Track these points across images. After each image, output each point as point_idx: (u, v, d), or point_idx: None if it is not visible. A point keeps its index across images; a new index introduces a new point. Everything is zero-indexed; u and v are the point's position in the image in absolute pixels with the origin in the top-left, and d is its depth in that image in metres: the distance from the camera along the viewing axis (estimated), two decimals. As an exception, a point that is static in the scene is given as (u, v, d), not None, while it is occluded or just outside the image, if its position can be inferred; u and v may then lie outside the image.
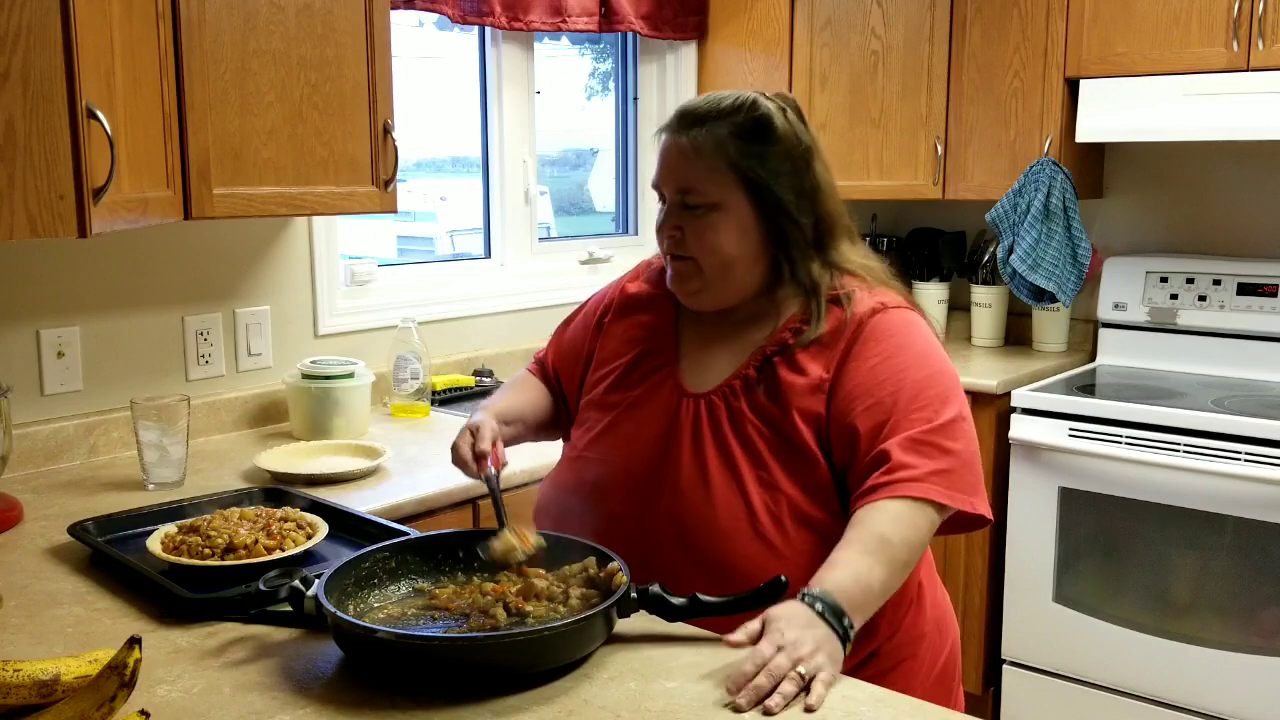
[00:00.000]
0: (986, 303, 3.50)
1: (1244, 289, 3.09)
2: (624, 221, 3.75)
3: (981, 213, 3.35)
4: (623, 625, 1.33)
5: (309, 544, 1.63)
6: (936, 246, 3.62)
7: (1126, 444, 2.76)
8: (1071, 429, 2.84)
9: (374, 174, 2.33)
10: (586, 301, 1.80)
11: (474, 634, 1.28)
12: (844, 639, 1.28)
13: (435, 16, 2.99)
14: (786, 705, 1.19)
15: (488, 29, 3.17)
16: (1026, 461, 2.92)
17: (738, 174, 1.50)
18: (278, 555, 1.58)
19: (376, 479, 2.17)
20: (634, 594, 1.32)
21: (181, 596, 1.46)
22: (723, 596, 1.32)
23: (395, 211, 2.41)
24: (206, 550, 1.58)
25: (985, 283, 3.51)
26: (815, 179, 1.54)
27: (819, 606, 1.28)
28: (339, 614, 1.25)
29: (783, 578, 1.31)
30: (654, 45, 3.63)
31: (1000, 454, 3.00)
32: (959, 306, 3.65)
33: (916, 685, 1.48)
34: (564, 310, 3.24)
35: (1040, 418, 2.89)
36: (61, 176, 1.57)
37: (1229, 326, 3.11)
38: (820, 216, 1.54)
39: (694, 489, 1.49)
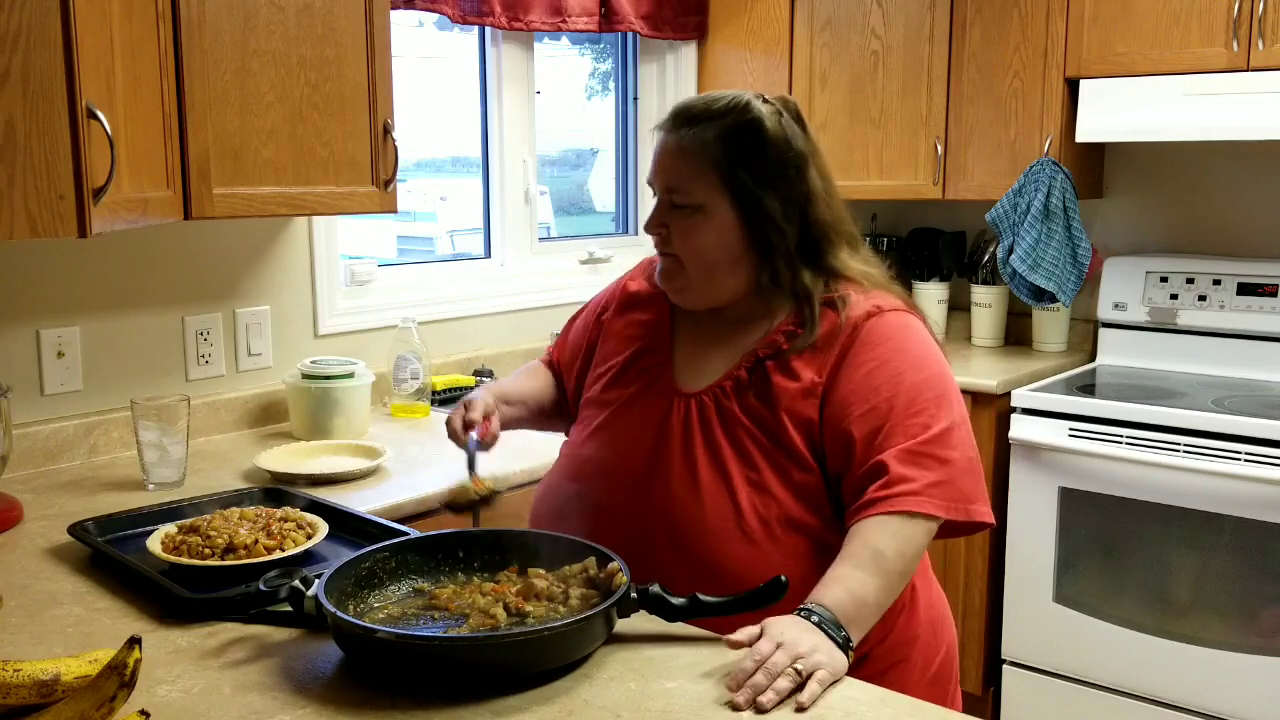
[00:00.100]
0: (986, 303, 3.50)
1: (1244, 289, 3.09)
2: (624, 221, 3.75)
3: (981, 213, 3.35)
4: (623, 625, 1.33)
5: (309, 544, 1.63)
6: (936, 246, 3.62)
7: (1126, 444, 2.76)
8: (1071, 429, 2.84)
9: (374, 174, 2.33)
10: (593, 298, 1.81)
11: (474, 634, 1.28)
12: (843, 649, 1.29)
13: (435, 16, 2.99)
14: (781, 701, 1.19)
15: (488, 29, 3.17)
16: (1026, 461, 2.92)
17: (721, 178, 1.49)
18: (278, 555, 1.58)
19: (376, 479, 2.17)
20: (634, 594, 1.32)
21: (181, 596, 1.46)
22: (723, 597, 1.33)
23: (395, 211, 2.41)
24: (206, 550, 1.58)
25: (985, 283, 3.51)
26: (807, 187, 1.52)
27: (815, 619, 1.29)
28: (339, 614, 1.25)
29: (783, 578, 1.31)
30: (654, 45, 3.63)
31: (1000, 454, 3.00)
32: (959, 306, 3.65)
33: (909, 688, 1.48)
34: (564, 310, 3.26)
35: (1040, 418, 2.89)
36: (61, 176, 1.57)
37: (1229, 326, 3.11)
38: (812, 225, 1.52)
39: (683, 488, 1.49)
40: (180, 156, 2.02)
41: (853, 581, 1.34)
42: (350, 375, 2.48)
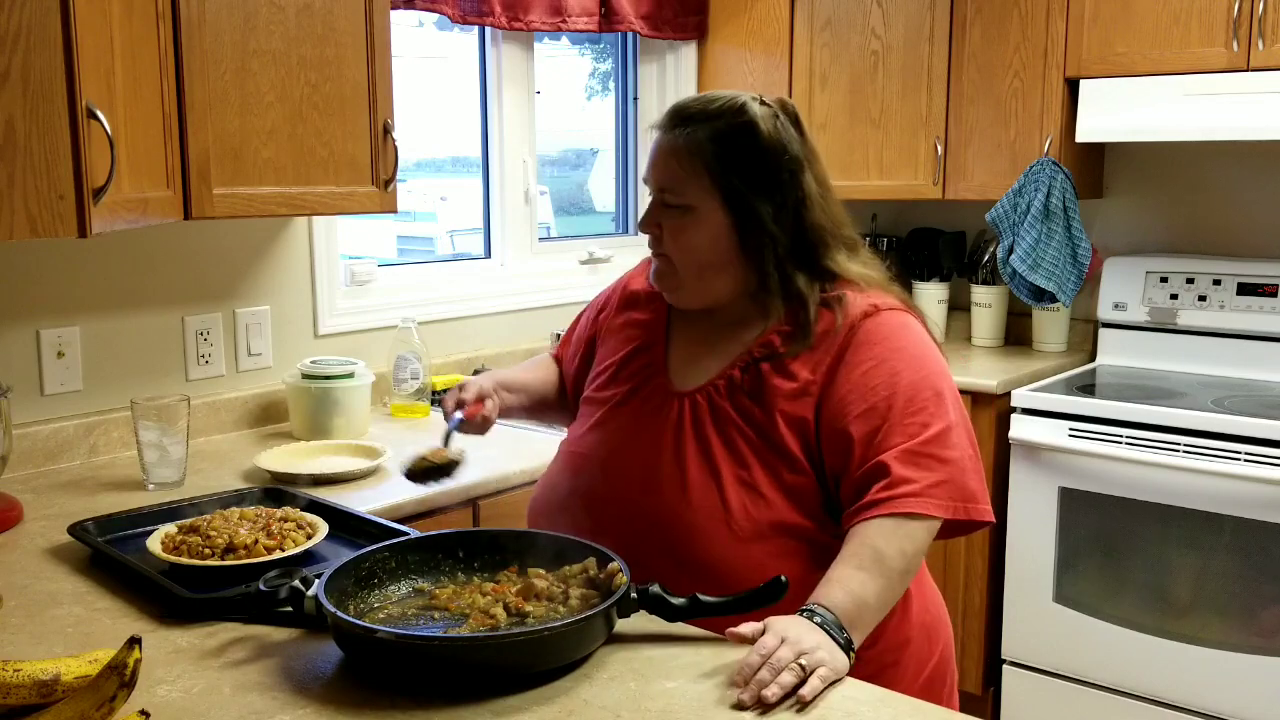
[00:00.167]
0: (986, 303, 3.50)
1: (1244, 289, 3.09)
2: (624, 221, 3.75)
3: (981, 213, 3.35)
4: (623, 625, 1.33)
5: (309, 544, 1.63)
6: (936, 246, 3.62)
7: (1126, 444, 2.76)
8: (1071, 429, 2.84)
9: (374, 174, 2.33)
10: (597, 296, 1.82)
11: (474, 634, 1.28)
12: (845, 650, 1.29)
13: (435, 16, 2.99)
14: (784, 696, 1.19)
15: (488, 29, 3.17)
16: (1026, 461, 2.92)
17: (713, 179, 1.49)
18: (278, 555, 1.58)
19: (376, 479, 2.17)
20: (634, 594, 1.32)
21: (181, 596, 1.46)
22: (723, 597, 1.33)
23: (395, 211, 2.41)
24: (206, 550, 1.58)
25: (985, 283, 3.51)
26: (802, 191, 1.51)
27: (817, 619, 1.30)
28: (339, 614, 1.25)
29: (783, 578, 1.31)
30: (654, 45, 3.63)
31: (1000, 454, 3.00)
32: (959, 306, 3.65)
33: (902, 692, 1.48)
34: (564, 310, 3.28)
35: (1040, 418, 2.89)
36: (61, 176, 1.57)
37: (1229, 326, 3.11)
38: (807, 229, 1.51)
39: (673, 486, 1.50)
40: (180, 156, 2.02)
41: (853, 583, 1.34)
42: (350, 375, 2.48)
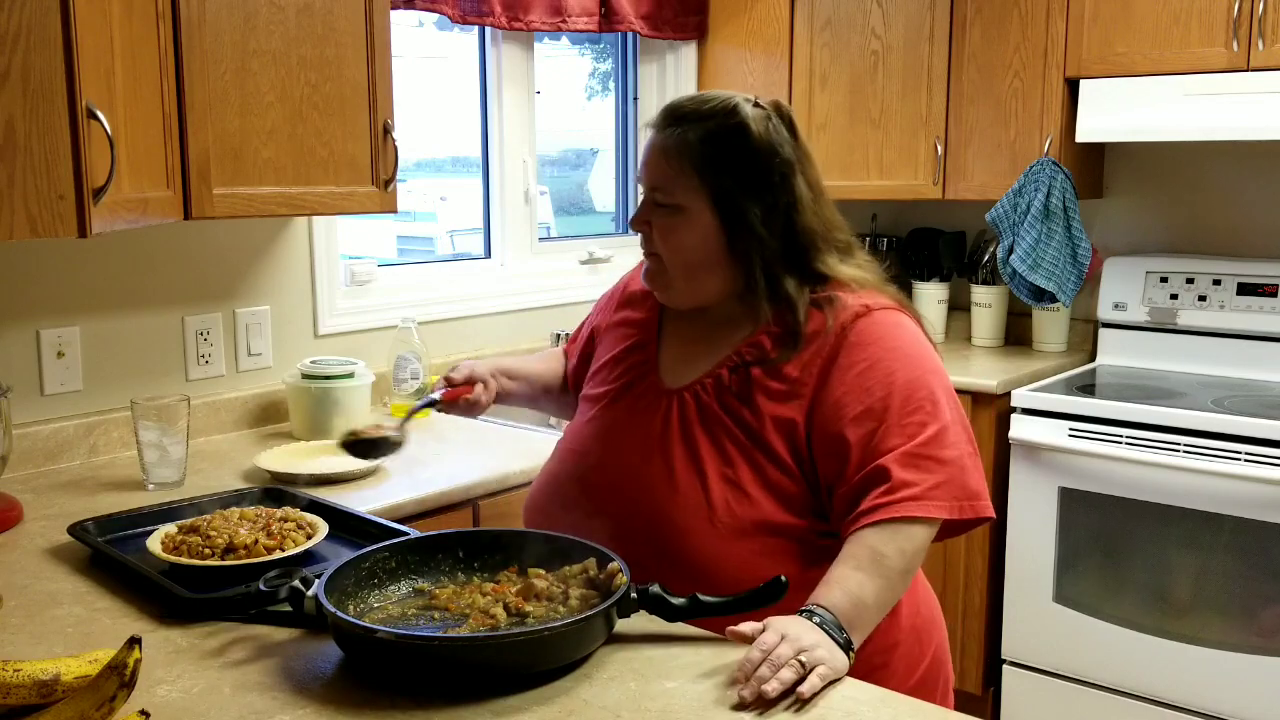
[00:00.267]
0: (986, 303, 3.50)
1: (1244, 289, 3.09)
2: (624, 222, 3.75)
3: (981, 213, 3.35)
4: (623, 625, 1.34)
5: (309, 544, 1.63)
6: (936, 246, 3.62)
7: (1126, 444, 2.76)
8: (1071, 429, 2.84)
9: (374, 174, 2.33)
10: (603, 294, 1.84)
11: (474, 634, 1.28)
12: (845, 649, 1.29)
13: (435, 16, 2.99)
14: (784, 692, 1.19)
15: (488, 29, 3.17)
16: (1026, 461, 2.92)
17: (702, 180, 1.49)
18: (278, 555, 1.58)
19: (376, 479, 2.17)
20: (634, 594, 1.32)
21: (181, 596, 1.46)
22: (723, 597, 1.33)
23: (395, 211, 2.41)
24: (206, 550, 1.58)
25: (985, 283, 3.51)
26: (793, 194, 1.50)
27: (817, 620, 1.30)
28: (339, 614, 1.25)
29: (783, 578, 1.31)
30: (654, 45, 3.63)
31: (1000, 454, 3.00)
32: (959, 306, 3.65)
33: None
34: (564, 310, 3.28)
35: (1040, 418, 2.89)
36: (61, 176, 1.57)
37: (1229, 326, 3.11)
38: (797, 232, 1.51)
39: (658, 483, 1.50)
40: (180, 156, 2.02)
41: (851, 583, 1.34)
42: (350, 375, 2.48)
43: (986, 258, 3.51)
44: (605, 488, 1.55)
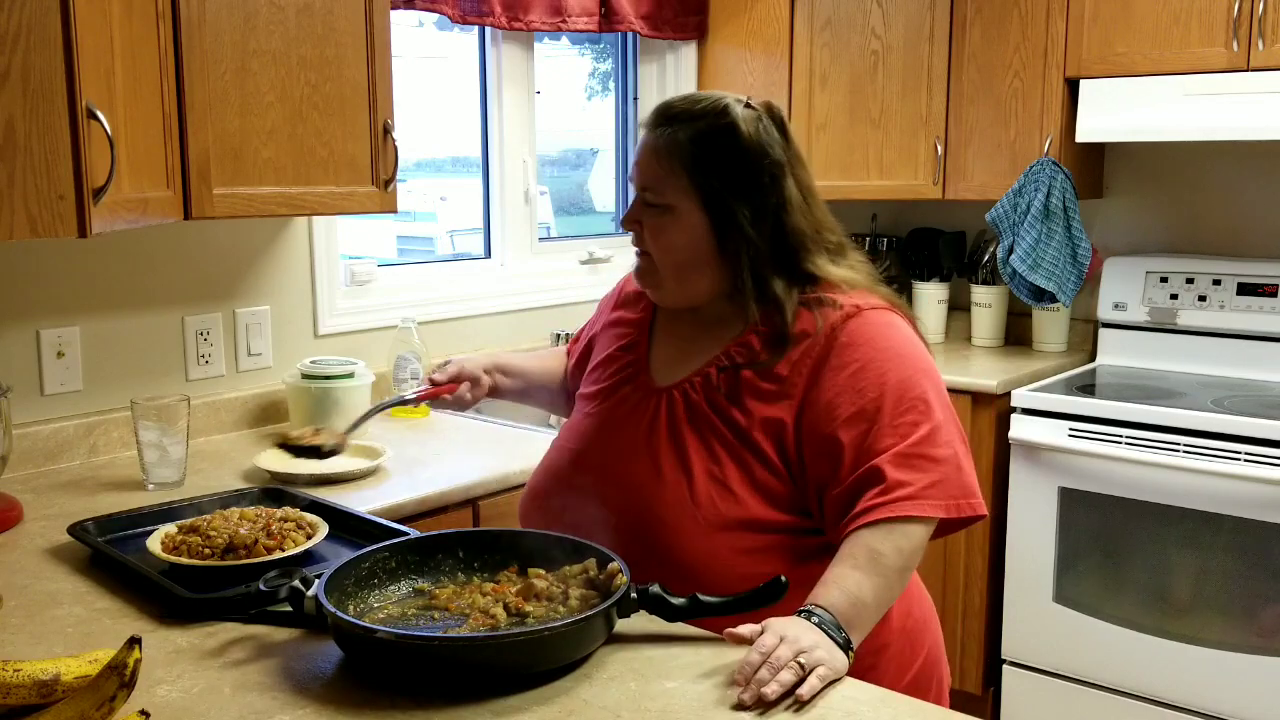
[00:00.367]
0: (986, 303, 3.50)
1: (1244, 289, 3.09)
2: (623, 221, 3.74)
3: (981, 213, 3.35)
4: (623, 625, 1.34)
5: (309, 544, 1.63)
6: (936, 246, 3.62)
7: (1126, 444, 2.76)
8: (1071, 429, 2.84)
9: (374, 174, 2.33)
10: (606, 294, 1.85)
11: (474, 634, 1.28)
12: (844, 649, 1.29)
13: (435, 16, 2.99)
14: (784, 694, 1.20)
15: (488, 29, 3.17)
16: (1026, 461, 2.92)
17: (692, 180, 1.49)
18: (278, 555, 1.58)
19: (376, 479, 2.17)
20: (634, 594, 1.32)
21: (181, 596, 1.46)
22: (723, 597, 1.33)
23: (395, 211, 2.41)
24: (206, 550, 1.58)
25: (985, 283, 3.51)
26: (783, 195, 1.50)
27: (815, 620, 1.30)
28: (339, 614, 1.25)
29: (782, 578, 1.31)
30: (654, 45, 3.63)
31: (1000, 454, 3.00)
32: (959, 306, 3.65)
33: None
34: (564, 310, 3.28)
35: (1040, 418, 2.89)
36: (61, 176, 1.57)
37: (1229, 326, 3.11)
38: (787, 234, 1.51)
39: (645, 480, 1.51)
40: (180, 156, 2.02)
41: (849, 582, 1.34)
42: (350, 375, 2.48)
43: (986, 258, 3.51)
44: (595, 484, 1.56)
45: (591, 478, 1.57)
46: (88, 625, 1.45)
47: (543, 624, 1.30)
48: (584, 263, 3.46)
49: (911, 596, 1.59)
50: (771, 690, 1.19)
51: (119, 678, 1.11)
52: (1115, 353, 3.30)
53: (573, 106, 3.69)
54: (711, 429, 1.50)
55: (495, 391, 1.82)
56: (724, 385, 1.51)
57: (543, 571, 1.42)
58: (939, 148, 3.29)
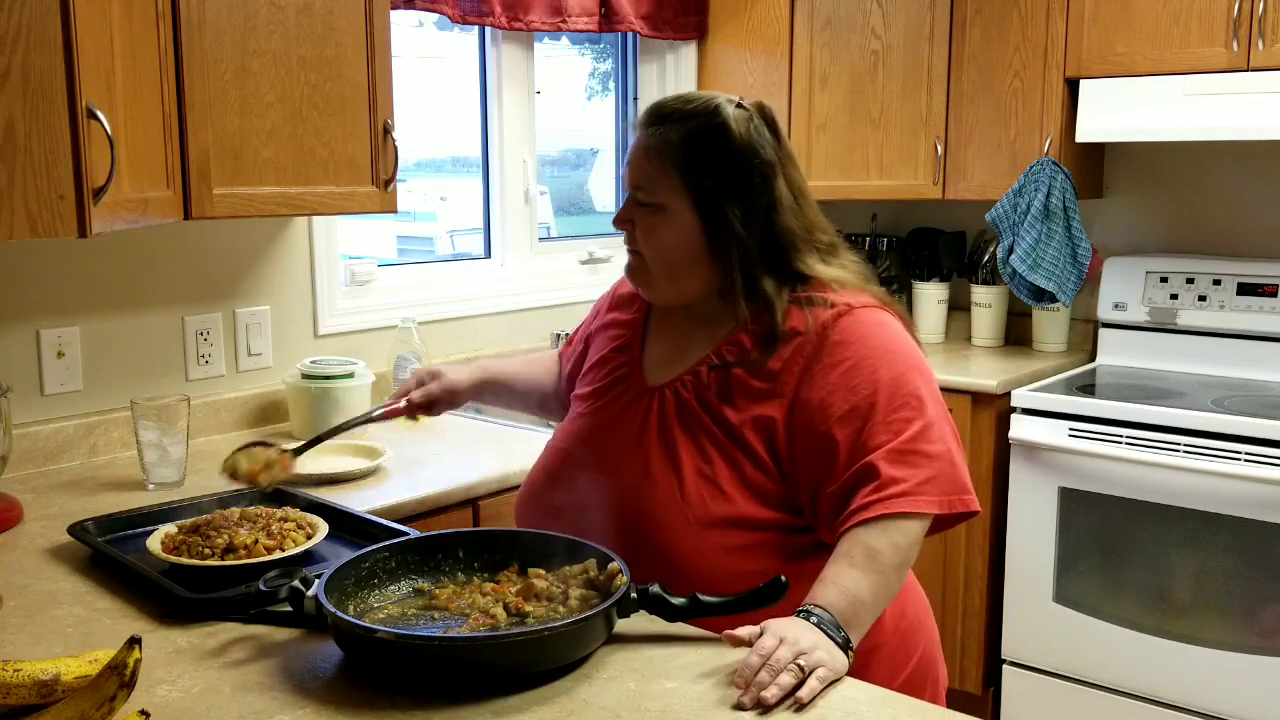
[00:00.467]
0: (986, 303, 3.50)
1: (1244, 289, 3.09)
2: (623, 221, 3.74)
3: (981, 213, 3.35)
4: (623, 625, 1.34)
5: (309, 544, 1.63)
6: (936, 246, 3.62)
7: (1126, 444, 2.76)
8: (1071, 429, 2.84)
9: (374, 174, 2.33)
10: (599, 298, 1.85)
11: (474, 634, 1.28)
12: (844, 648, 1.29)
13: (435, 16, 2.99)
14: (783, 697, 1.20)
15: (488, 29, 3.17)
16: (1026, 461, 2.92)
17: (683, 179, 1.49)
18: (278, 555, 1.58)
19: (376, 479, 2.17)
20: (634, 594, 1.32)
21: (181, 596, 1.46)
22: (722, 597, 1.33)
23: (395, 211, 2.41)
24: (206, 550, 1.58)
25: (985, 283, 3.51)
26: (774, 195, 1.51)
27: (814, 619, 1.30)
28: (339, 614, 1.25)
29: (782, 578, 1.31)
30: (654, 45, 3.63)
31: (1000, 454, 3.00)
32: (959, 306, 3.65)
33: None
34: (564, 310, 3.28)
35: (1040, 418, 2.89)
36: (61, 176, 1.57)
37: (1229, 326, 3.11)
38: (777, 233, 1.51)
39: (636, 477, 1.51)
40: (180, 156, 2.02)
41: (846, 580, 1.34)
42: (350, 375, 2.48)
43: (986, 258, 3.51)
44: (587, 483, 1.56)
45: (584, 477, 1.57)
46: (88, 625, 1.45)
47: (543, 624, 1.30)
48: (584, 263, 3.46)
49: (906, 597, 1.58)
50: (771, 694, 1.19)
51: (119, 678, 1.11)
52: (1115, 353, 3.30)
53: (573, 106, 3.69)
54: (702, 427, 1.50)
55: (483, 396, 1.87)
56: (715, 384, 1.51)
57: (543, 571, 1.42)
58: (939, 148, 3.29)
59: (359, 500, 1.99)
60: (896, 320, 1.54)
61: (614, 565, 1.37)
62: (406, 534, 1.63)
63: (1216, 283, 3.13)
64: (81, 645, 1.36)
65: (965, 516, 1.45)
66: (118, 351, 2.36)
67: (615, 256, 3.50)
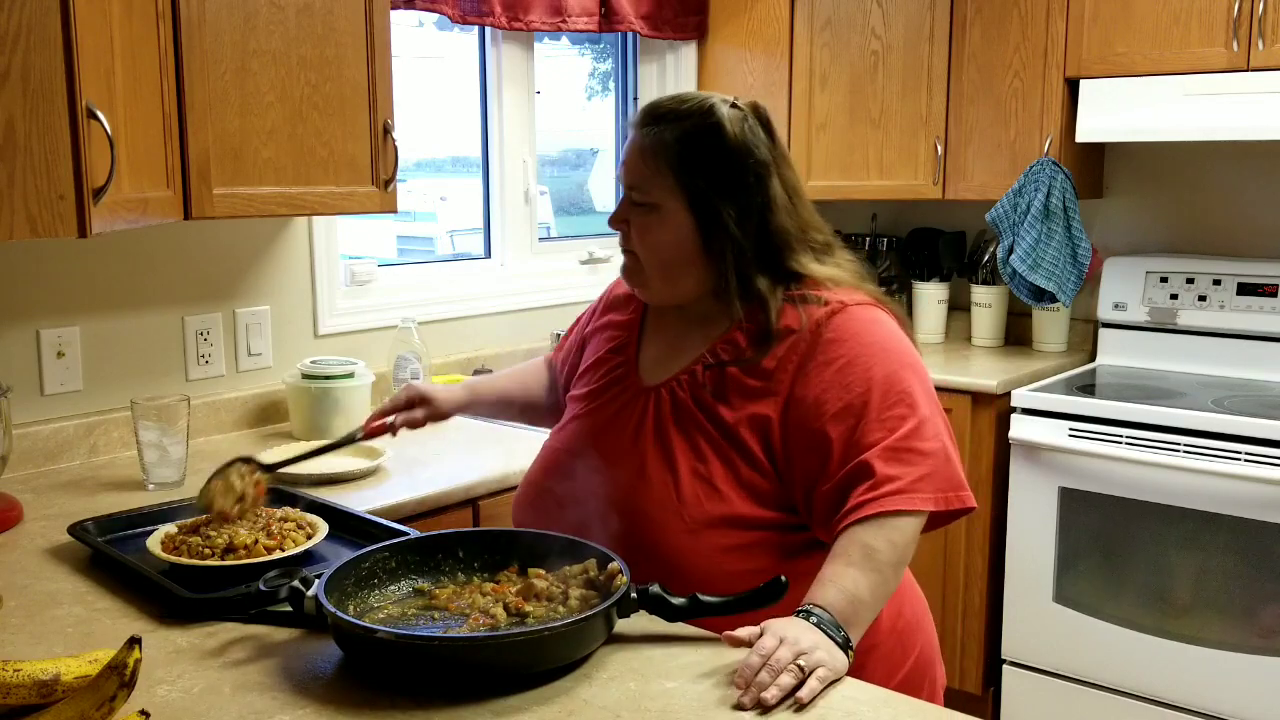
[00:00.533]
0: (986, 303, 3.50)
1: (1244, 289, 3.09)
2: (622, 221, 3.74)
3: (981, 213, 3.35)
4: (623, 625, 1.34)
5: (309, 544, 1.63)
6: (936, 246, 3.62)
7: (1126, 444, 2.76)
8: (1071, 429, 2.84)
9: (374, 174, 2.33)
10: (593, 302, 1.85)
11: (474, 634, 1.28)
12: (844, 648, 1.29)
13: (435, 16, 2.99)
14: (783, 697, 1.20)
15: (488, 29, 3.17)
16: (1026, 461, 2.92)
17: (677, 179, 1.50)
18: (278, 555, 1.58)
19: (376, 479, 2.17)
20: (634, 594, 1.32)
21: (181, 596, 1.46)
22: (722, 596, 1.33)
23: (395, 211, 2.41)
24: (206, 550, 1.58)
25: (985, 283, 3.51)
26: (768, 195, 1.51)
27: (814, 619, 1.30)
28: (339, 614, 1.25)
29: (782, 578, 1.31)
30: (654, 45, 3.63)
31: (1000, 454, 3.00)
32: (959, 306, 3.65)
33: None
34: (564, 310, 3.28)
35: (1040, 418, 2.89)
36: (61, 176, 1.57)
37: (1229, 326, 3.10)
38: (771, 233, 1.51)
39: (631, 476, 1.51)
40: (180, 156, 2.02)
41: (845, 579, 1.34)
42: (350, 375, 2.48)
43: (986, 258, 3.51)
44: (584, 483, 1.56)
45: (580, 477, 1.57)
46: (88, 625, 1.45)
47: (543, 624, 1.30)
48: (584, 263, 3.46)
49: (903, 596, 1.59)
50: (771, 695, 1.19)
51: (119, 678, 1.11)
52: (1115, 353, 3.30)
53: (573, 106, 3.69)
54: (697, 426, 1.51)
55: (471, 411, 1.90)
56: (710, 383, 1.52)
57: (543, 571, 1.42)
58: (939, 148, 3.29)
59: (359, 500, 1.99)
60: (891, 318, 1.54)
61: (614, 565, 1.37)
62: (406, 534, 1.63)
63: (1216, 283, 3.13)
64: (81, 645, 1.36)
65: (961, 513, 1.45)
66: (118, 351, 2.36)
67: (615, 257, 3.48)
